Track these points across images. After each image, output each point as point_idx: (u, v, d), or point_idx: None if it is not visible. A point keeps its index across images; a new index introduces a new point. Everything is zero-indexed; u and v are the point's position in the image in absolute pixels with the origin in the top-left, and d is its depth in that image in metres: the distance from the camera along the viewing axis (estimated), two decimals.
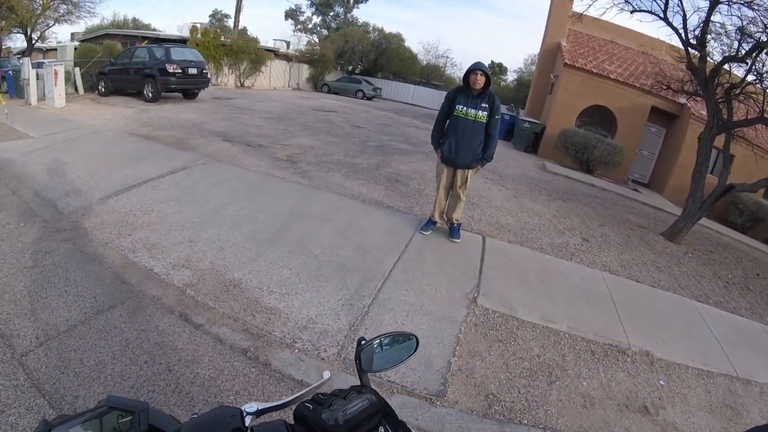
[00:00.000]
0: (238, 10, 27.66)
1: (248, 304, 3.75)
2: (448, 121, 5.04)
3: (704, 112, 9.85)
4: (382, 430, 0.75)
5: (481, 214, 6.44)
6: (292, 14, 45.85)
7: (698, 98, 9.11)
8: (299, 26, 45.93)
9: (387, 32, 39.68)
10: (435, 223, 5.41)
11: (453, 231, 5.35)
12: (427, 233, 5.38)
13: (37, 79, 13.33)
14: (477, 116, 4.81)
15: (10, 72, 15.50)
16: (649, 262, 5.90)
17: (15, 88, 14.81)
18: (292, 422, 0.81)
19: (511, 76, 42.52)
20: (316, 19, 46.09)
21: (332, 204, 6.10)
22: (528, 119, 16.35)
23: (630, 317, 4.33)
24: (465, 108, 4.83)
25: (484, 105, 4.81)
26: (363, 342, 0.93)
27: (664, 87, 9.36)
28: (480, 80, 4.73)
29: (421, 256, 4.87)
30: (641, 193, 13.18)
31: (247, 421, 0.78)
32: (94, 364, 2.96)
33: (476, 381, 3.18)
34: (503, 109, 17.68)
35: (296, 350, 3.27)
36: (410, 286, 4.26)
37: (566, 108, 15.51)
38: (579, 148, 13.56)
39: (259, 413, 0.81)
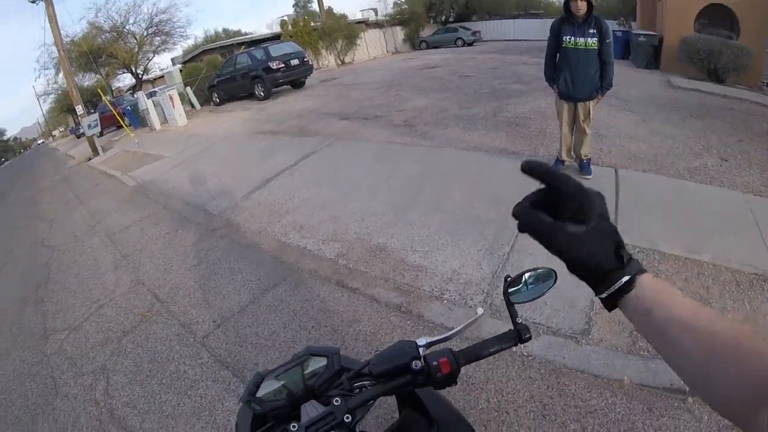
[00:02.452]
0: None
1: (395, 265, 4.01)
2: (558, 54, 4.88)
3: None
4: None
5: (610, 145, 6.17)
6: None
7: None
8: None
9: None
10: (563, 161, 5.29)
11: (583, 167, 5.20)
12: None
13: (155, 106, 14.74)
14: (587, 44, 4.62)
15: (128, 107, 17.29)
16: None
17: (137, 119, 16.55)
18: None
19: None
20: None
21: (457, 159, 6.20)
22: (643, 32, 14.98)
23: None
24: (573, 38, 4.66)
25: (591, 31, 4.59)
26: (508, 278, 1.02)
27: None
28: (582, 6, 4.52)
29: None
30: None
31: (421, 351, 0.94)
32: (267, 334, 3.40)
33: (620, 319, 3.10)
34: (614, 25, 16.26)
35: (445, 301, 3.46)
36: None
37: (680, 12, 13.88)
38: (703, 56, 12.15)
39: (428, 345, 0.97)
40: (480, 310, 1.14)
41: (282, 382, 0.93)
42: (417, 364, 0.89)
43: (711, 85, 11.38)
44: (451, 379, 0.90)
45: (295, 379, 0.94)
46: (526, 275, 1.06)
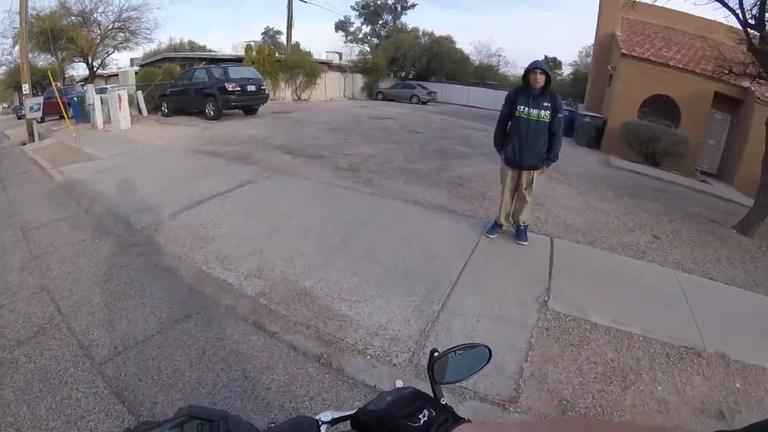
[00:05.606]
0: (290, 26, 28.36)
1: (320, 311, 3.80)
2: (509, 122, 4.96)
3: None
4: (426, 412, 0.74)
5: (547, 215, 6.30)
6: (342, 26, 46.61)
7: (762, 81, 8.50)
8: (350, 37, 46.63)
9: (437, 36, 39.53)
10: (501, 226, 5.32)
11: (520, 233, 5.24)
12: (494, 236, 5.29)
13: (102, 103, 14.10)
14: (540, 116, 4.72)
15: (75, 98, 16.48)
16: (722, 258, 5.59)
17: (81, 113, 15.76)
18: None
19: (566, 70, 41.41)
20: (366, 29, 46.63)
21: (396, 211, 6.13)
22: (588, 113, 15.91)
23: (705, 317, 4.08)
24: (527, 108, 4.74)
25: (546, 104, 4.71)
26: (436, 353, 0.91)
27: (726, 71, 8.83)
28: (540, 79, 4.65)
29: (489, 260, 4.79)
30: (710, 184, 12.54)
31: (323, 429, 0.80)
32: (171, 371, 3.09)
33: (549, 386, 3.09)
34: None
35: (368, 356, 3.28)
36: (479, 291, 4.20)
37: (627, 100, 14.94)
38: (643, 140, 13.06)
39: (333, 422, 0.83)
40: (399, 382, 0.99)
41: None
42: None
43: (647, 168, 12.12)
44: None
45: None
46: (456, 351, 0.95)
